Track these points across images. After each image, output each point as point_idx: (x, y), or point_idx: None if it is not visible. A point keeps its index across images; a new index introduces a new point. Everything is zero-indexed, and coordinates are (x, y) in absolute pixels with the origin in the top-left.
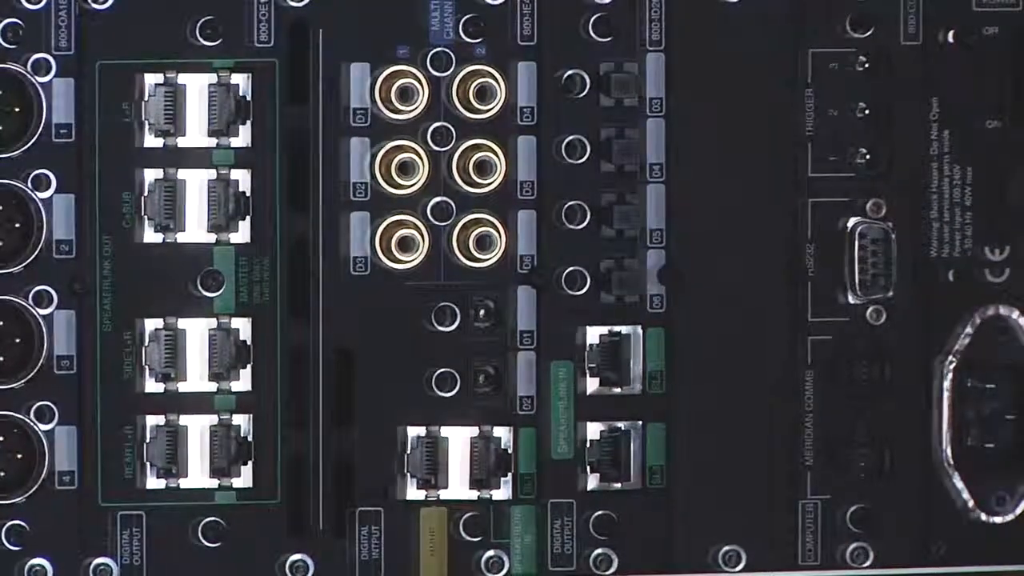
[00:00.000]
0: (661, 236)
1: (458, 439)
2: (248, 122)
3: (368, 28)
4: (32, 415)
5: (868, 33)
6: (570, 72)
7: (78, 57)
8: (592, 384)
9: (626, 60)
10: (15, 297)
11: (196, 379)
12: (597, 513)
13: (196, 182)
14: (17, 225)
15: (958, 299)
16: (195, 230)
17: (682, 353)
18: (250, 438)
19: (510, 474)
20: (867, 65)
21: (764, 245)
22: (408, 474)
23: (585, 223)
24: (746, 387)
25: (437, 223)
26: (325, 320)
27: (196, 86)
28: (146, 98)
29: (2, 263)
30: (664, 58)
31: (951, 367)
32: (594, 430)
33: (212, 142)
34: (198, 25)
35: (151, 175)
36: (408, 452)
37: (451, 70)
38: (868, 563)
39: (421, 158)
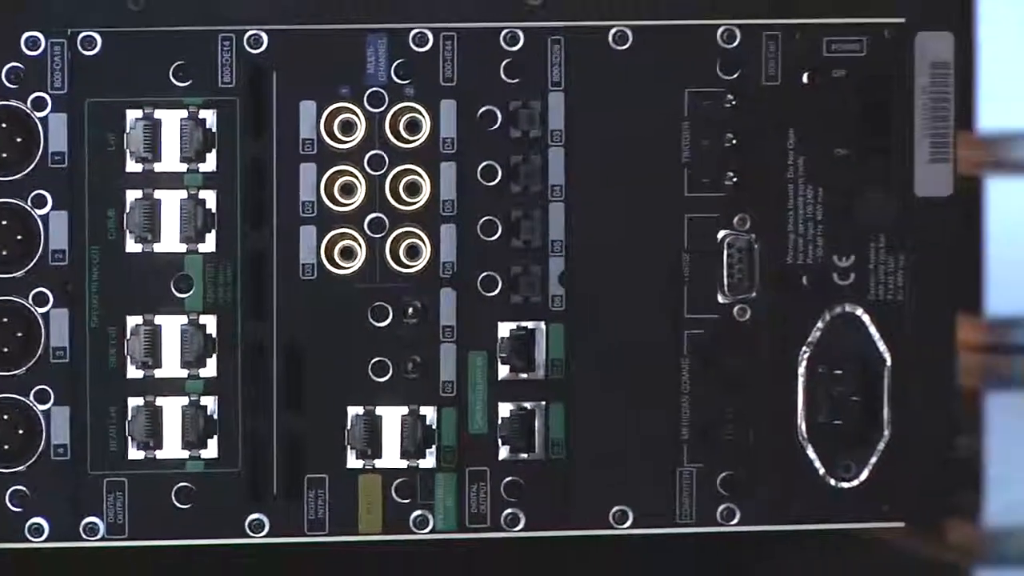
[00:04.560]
0: (561, 246)
1: (391, 417)
2: (214, 150)
3: (315, 72)
4: (32, 397)
5: (735, 75)
6: (485, 108)
7: (71, 95)
8: (504, 371)
9: (532, 99)
10: (18, 297)
11: (171, 367)
12: (508, 479)
13: (171, 201)
14: (19, 237)
15: (812, 299)
16: (170, 241)
17: (579, 344)
18: (216, 416)
19: (435, 446)
20: (734, 103)
21: (649, 253)
22: (349, 447)
23: (498, 235)
24: (633, 373)
25: (373, 235)
26: (279, 317)
27: (171, 120)
28: (128, 130)
29: (7, 269)
30: (564, 96)
31: (806, 356)
32: (505, 409)
33: (184, 167)
34: (172, 69)
35: (132, 195)
36: (349, 428)
37: (385, 107)
38: (735, 521)
39: (360, 181)
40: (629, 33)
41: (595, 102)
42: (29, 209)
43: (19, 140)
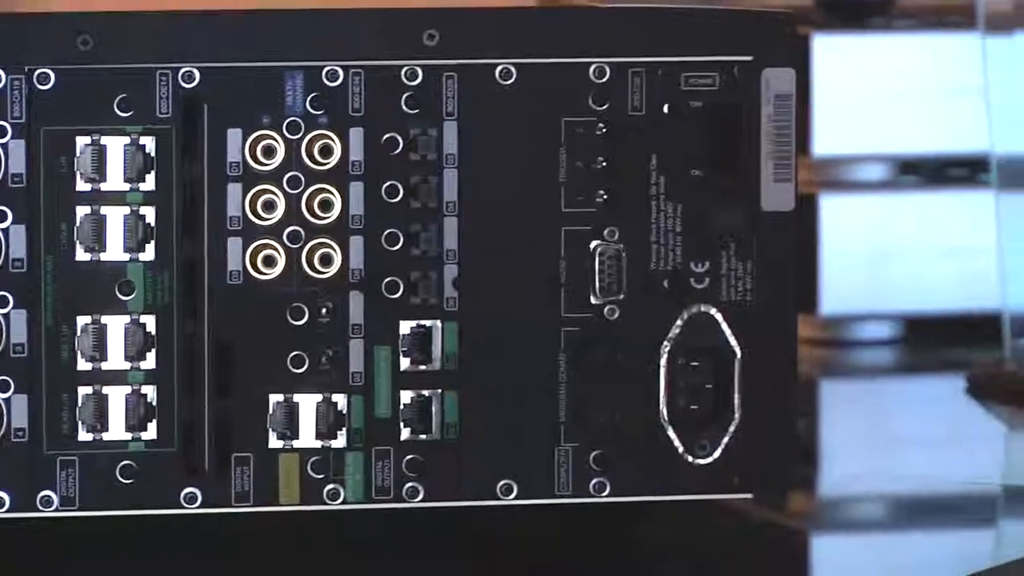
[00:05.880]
0: (455, 255)
1: (307, 403)
2: (153, 172)
3: (241, 103)
4: None
5: (605, 106)
6: (388, 135)
7: (28, 124)
8: (405, 363)
9: (429, 127)
10: None
11: (115, 360)
12: (408, 457)
13: (115, 216)
14: None
15: (672, 300)
16: (114, 251)
17: (470, 340)
18: (155, 403)
19: (345, 428)
20: (604, 130)
21: (531, 261)
22: (271, 429)
23: (399, 245)
24: (516, 365)
25: (292, 246)
26: (210, 317)
27: (115, 146)
28: (78, 154)
29: None
30: (457, 125)
31: (666, 350)
32: (406, 396)
33: (127, 187)
34: (116, 101)
35: (82, 211)
36: (271, 413)
37: (301, 134)
38: (606, 493)
39: (280, 198)
40: (513, 70)
41: (484, 130)
42: None
43: None
